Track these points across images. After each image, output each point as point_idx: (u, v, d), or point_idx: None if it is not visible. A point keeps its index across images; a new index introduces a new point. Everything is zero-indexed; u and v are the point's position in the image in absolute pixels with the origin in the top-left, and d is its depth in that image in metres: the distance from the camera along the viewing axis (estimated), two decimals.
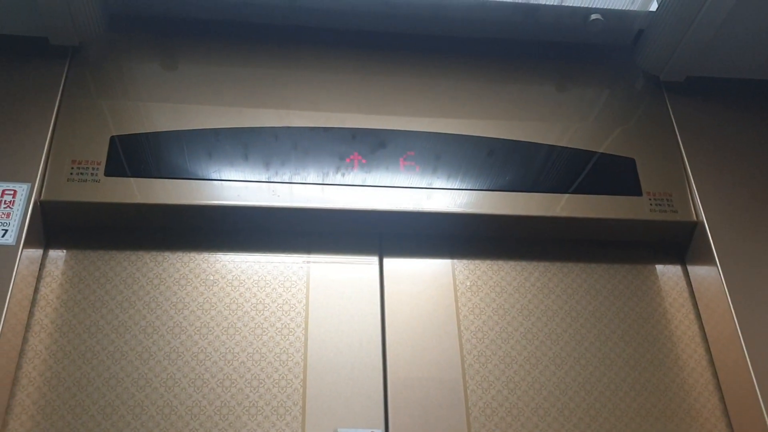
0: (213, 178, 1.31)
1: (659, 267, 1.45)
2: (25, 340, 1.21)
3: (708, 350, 1.36)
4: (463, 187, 1.37)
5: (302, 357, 1.25)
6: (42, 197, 1.25)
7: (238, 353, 1.24)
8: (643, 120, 1.51)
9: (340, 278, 1.34)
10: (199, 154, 1.33)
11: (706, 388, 1.33)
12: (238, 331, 1.26)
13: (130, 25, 1.48)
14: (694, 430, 1.28)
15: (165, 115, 1.37)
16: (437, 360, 1.28)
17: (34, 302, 1.24)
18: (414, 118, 1.44)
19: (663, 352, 1.35)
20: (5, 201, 1.22)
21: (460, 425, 1.22)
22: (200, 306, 1.28)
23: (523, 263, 1.41)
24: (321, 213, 1.32)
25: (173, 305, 1.28)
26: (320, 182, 1.34)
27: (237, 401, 1.20)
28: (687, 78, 1.55)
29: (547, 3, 1.46)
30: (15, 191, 1.23)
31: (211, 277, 1.31)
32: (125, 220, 1.31)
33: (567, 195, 1.38)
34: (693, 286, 1.42)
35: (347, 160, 1.36)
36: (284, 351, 1.26)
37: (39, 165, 1.26)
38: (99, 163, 1.29)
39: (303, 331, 1.28)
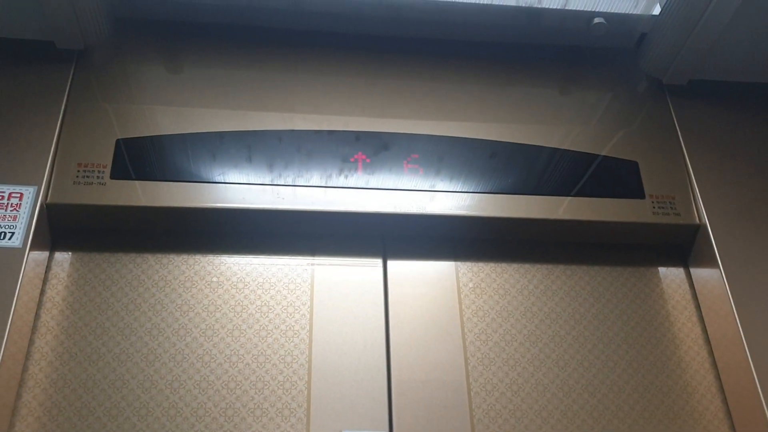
0: (218, 181, 1.32)
1: (662, 270, 1.46)
2: (31, 341, 1.22)
3: (711, 352, 1.37)
4: (466, 190, 1.38)
5: (307, 359, 1.26)
6: (48, 200, 1.25)
7: (243, 355, 1.25)
8: (645, 123, 1.51)
9: (345, 280, 1.35)
10: (203, 157, 1.34)
11: (708, 390, 1.33)
12: (242, 333, 1.27)
13: (136, 29, 1.49)
14: None
15: (170, 118, 1.37)
16: (441, 362, 1.28)
17: (40, 304, 1.25)
18: (417, 121, 1.44)
19: (666, 355, 1.36)
20: (12, 204, 1.22)
21: (464, 427, 1.23)
22: (205, 308, 1.29)
23: (527, 266, 1.42)
24: (325, 216, 1.33)
25: (178, 307, 1.28)
26: (324, 185, 1.34)
27: (242, 403, 1.21)
28: (690, 81, 1.55)
29: (551, 7, 1.47)
30: (21, 194, 1.24)
31: (216, 280, 1.32)
32: (131, 223, 1.32)
33: (570, 198, 1.39)
34: (696, 289, 1.43)
35: (351, 160, 1.37)
36: (289, 353, 1.26)
37: (45, 168, 1.27)
38: (105, 166, 1.30)
39: (307, 333, 1.28)
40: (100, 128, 1.34)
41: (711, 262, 1.36)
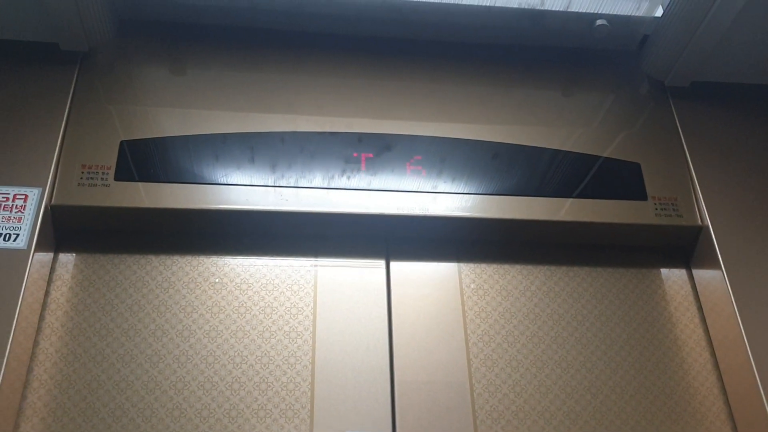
0: (221, 182, 1.32)
1: (664, 271, 1.46)
2: (35, 343, 1.22)
3: (713, 354, 1.37)
4: (469, 191, 1.38)
5: (310, 360, 1.26)
6: (53, 201, 1.26)
7: (246, 356, 1.25)
8: (648, 125, 1.51)
9: (348, 282, 1.35)
10: (207, 158, 1.34)
11: (711, 392, 1.33)
12: (246, 334, 1.27)
13: (139, 31, 1.49)
14: None
15: (173, 120, 1.38)
16: (444, 363, 1.29)
17: (44, 305, 1.26)
18: (420, 123, 1.45)
19: (668, 356, 1.36)
20: (17, 205, 1.23)
21: (467, 428, 1.23)
22: (209, 309, 1.29)
23: (529, 267, 1.42)
24: (328, 217, 1.33)
25: (182, 308, 1.29)
26: (327, 186, 1.35)
27: (246, 404, 1.21)
28: (692, 83, 1.55)
29: (553, 9, 1.47)
30: (26, 196, 1.24)
31: (219, 281, 1.32)
32: (135, 224, 1.33)
33: (572, 199, 1.39)
34: (698, 290, 1.43)
35: (354, 161, 1.37)
36: (292, 354, 1.27)
37: (50, 170, 1.27)
38: (109, 168, 1.30)
39: (311, 335, 1.29)
40: (104, 130, 1.34)
41: (713, 264, 1.36)
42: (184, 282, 1.31)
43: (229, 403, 1.21)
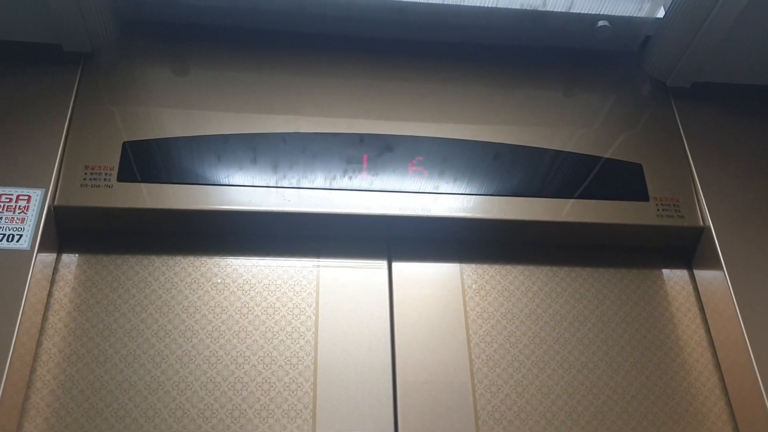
0: (223, 183, 1.33)
1: (666, 272, 1.46)
2: (39, 343, 1.22)
3: (714, 354, 1.37)
4: (471, 192, 1.38)
5: (312, 360, 1.27)
6: (56, 202, 1.26)
7: (249, 357, 1.26)
8: (649, 125, 1.51)
9: (350, 282, 1.36)
10: (209, 159, 1.35)
11: (712, 393, 1.34)
12: (249, 334, 1.28)
13: (142, 32, 1.49)
14: None
15: (176, 120, 1.38)
16: (446, 364, 1.29)
17: (47, 306, 1.26)
18: (422, 124, 1.45)
19: (670, 357, 1.36)
20: (20, 206, 1.23)
21: (469, 428, 1.23)
22: (211, 310, 1.29)
23: (531, 267, 1.42)
24: (330, 217, 1.34)
25: (185, 309, 1.29)
26: (329, 187, 1.35)
27: (248, 404, 1.21)
28: (694, 84, 1.56)
29: (555, 10, 1.47)
30: (29, 196, 1.24)
31: (222, 281, 1.33)
32: (137, 225, 1.33)
33: (574, 200, 1.39)
34: (699, 291, 1.43)
35: (356, 162, 1.37)
36: (294, 354, 1.27)
37: (53, 170, 1.28)
38: (112, 169, 1.30)
39: (313, 335, 1.29)
40: (106, 131, 1.34)
41: (715, 265, 1.36)
42: (186, 282, 1.32)
43: (231, 403, 1.21)
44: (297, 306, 1.32)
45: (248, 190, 1.33)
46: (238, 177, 1.34)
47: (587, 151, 1.46)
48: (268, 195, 1.33)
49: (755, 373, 1.23)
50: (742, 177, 1.45)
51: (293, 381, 1.24)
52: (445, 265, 1.40)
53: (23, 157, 1.28)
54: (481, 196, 1.38)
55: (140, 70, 1.46)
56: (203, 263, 1.34)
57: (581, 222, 1.38)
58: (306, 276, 1.35)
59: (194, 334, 1.27)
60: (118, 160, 1.31)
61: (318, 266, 1.37)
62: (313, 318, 1.31)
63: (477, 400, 1.26)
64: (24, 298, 1.15)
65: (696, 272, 1.45)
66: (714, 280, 1.37)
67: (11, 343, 1.11)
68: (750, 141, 1.51)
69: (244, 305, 1.31)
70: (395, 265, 1.39)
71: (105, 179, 1.29)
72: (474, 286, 1.38)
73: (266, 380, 1.24)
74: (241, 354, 1.26)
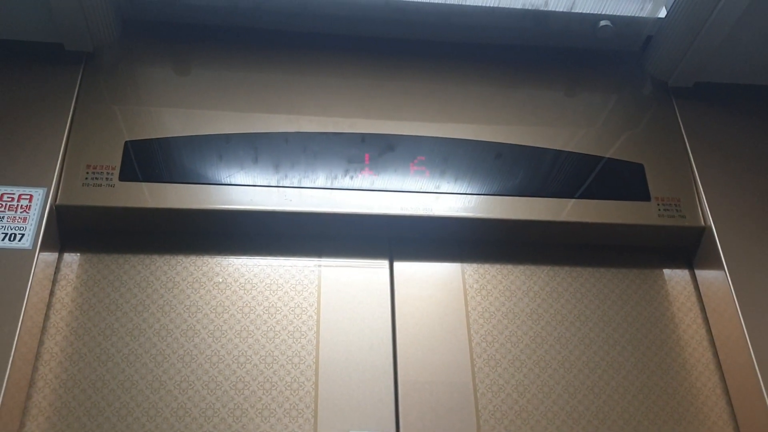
0: (225, 182, 1.33)
1: (667, 271, 1.46)
2: (40, 342, 1.22)
3: (715, 354, 1.37)
4: (472, 192, 1.38)
5: (314, 360, 1.27)
6: (57, 202, 1.26)
7: (250, 356, 1.26)
8: (651, 125, 1.52)
9: (351, 282, 1.36)
10: (211, 159, 1.35)
11: (713, 392, 1.34)
12: (250, 334, 1.28)
13: (144, 32, 1.49)
14: None
15: (178, 120, 1.38)
16: (447, 363, 1.29)
17: (49, 305, 1.26)
18: (423, 123, 1.45)
19: (671, 356, 1.36)
20: (22, 205, 1.23)
21: (470, 428, 1.24)
22: (213, 309, 1.30)
23: (532, 267, 1.42)
24: (332, 217, 1.34)
25: (186, 308, 1.29)
26: (330, 186, 1.35)
27: (250, 403, 1.22)
28: (695, 84, 1.56)
29: (557, 10, 1.47)
30: (31, 196, 1.25)
31: (223, 281, 1.33)
32: (139, 224, 1.33)
33: (575, 200, 1.39)
34: (701, 291, 1.43)
35: (357, 161, 1.37)
36: (296, 354, 1.27)
37: (54, 170, 1.28)
38: (113, 168, 1.30)
39: (314, 335, 1.29)
40: (108, 130, 1.35)
41: (716, 265, 1.36)
42: (188, 282, 1.32)
43: (233, 402, 1.21)
44: (298, 305, 1.32)
45: (250, 189, 1.33)
46: (239, 176, 1.34)
47: (589, 150, 1.46)
48: (269, 194, 1.33)
49: (756, 372, 1.24)
50: (743, 177, 1.45)
51: (295, 380, 1.24)
52: (446, 265, 1.40)
53: (25, 156, 1.28)
54: (482, 196, 1.38)
55: (142, 69, 1.46)
56: (205, 262, 1.34)
57: (583, 222, 1.38)
58: (307, 275, 1.35)
59: (196, 333, 1.27)
60: (119, 159, 1.32)
61: (319, 266, 1.37)
62: (315, 317, 1.31)
63: (478, 400, 1.27)
64: (26, 298, 1.15)
65: (697, 272, 1.45)
66: (715, 279, 1.37)
67: (13, 342, 1.11)
68: (751, 141, 1.51)
69: (246, 305, 1.31)
70: (397, 264, 1.39)
71: (107, 179, 1.29)
72: (475, 286, 1.38)
73: (268, 379, 1.24)
74: (242, 353, 1.26)
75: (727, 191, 1.43)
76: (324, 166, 1.37)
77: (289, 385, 1.24)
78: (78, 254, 1.32)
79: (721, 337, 1.36)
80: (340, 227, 1.37)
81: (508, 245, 1.43)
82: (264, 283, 1.33)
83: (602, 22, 1.49)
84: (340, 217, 1.34)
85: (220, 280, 1.33)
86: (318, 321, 1.31)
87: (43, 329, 1.24)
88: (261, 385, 1.23)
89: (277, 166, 1.36)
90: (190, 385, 1.22)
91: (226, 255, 1.36)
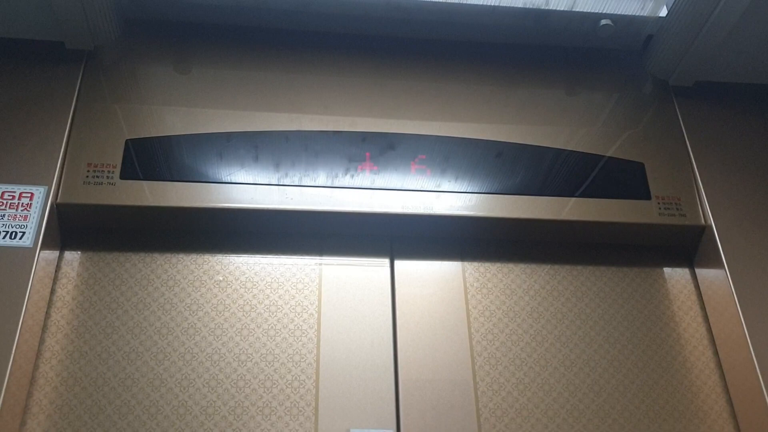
0: (226, 181, 1.33)
1: (667, 270, 1.46)
2: (41, 340, 1.23)
3: (716, 352, 1.37)
4: (473, 191, 1.38)
5: (315, 358, 1.27)
6: (58, 200, 1.26)
7: (251, 354, 1.26)
8: (651, 124, 1.52)
9: (352, 280, 1.36)
10: (212, 157, 1.35)
11: (713, 390, 1.34)
12: (251, 332, 1.28)
13: (144, 30, 1.49)
14: None
15: (178, 118, 1.38)
16: (448, 361, 1.29)
17: (50, 303, 1.26)
18: (424, 122, 1.45)
19: (671, 355, 1.37)
20: (23, 204, 1.23)
21: (471, 426, 1.24)
22: (214, 307, 1.30)
23: (533, 266, 1.42)
24: (333, 216, 1.34)
25: (187, 307, 1.29)
26: (331, 185, 1.35)
27: (251, 401, 1.22)
28: (696, 83, 1.56)
29: (558, 9, 1.47)
30: (32, 194, 1.25)
31: (224, 279, 1.33)
32: (140, 223, 1.33)
33: (576, 198, 1.40)
34: (701, 289, 1.43)
35: (358, 160, 1.37)
36: (297, 352, 1.27)
37: (55, 168, 1.28)
38: (114, 167, 1.30)
39: (315, 333, 1.29)
40: (109, 129, 1.35)
41: (716, 263, 1.37)
42: (189, 280, 1.32)
43: (234, 400, 1.21)
44: (299, 304, 1.32)
45: (250, 188, 1.33)
46: (240, 175, 1.34)
47: (589, 149, 1.46)
48: (270, 193, 1.33)
49: (756, 371, 1.24)
50: (743, 176, 1.45)
51: (296, 378, 1.25)
52: (447, 263, 1.41)
53: (26, 154, 1.29)
54: (483, 195, 1.38)
55: (143, 68, 1.46)
56: (205, 261, 1.34)
57: (583, 220, 1.38)
58: (308, 274, 1.36)
59: (197, 331, 1.27)
60: (120, 157, 1.32)
61: (320, 264, 1.37)
62: (316, 316, 1.31)
63: (479, 398, 1.27)
64: (27, 296, 1.15)
65: (697, 270, 1.45)
66: (715, 278, 1.37)
67: (14, 340, 1.12)
68: (752, 140, 1.51)
69: (247, 303, 1.31)
70: (397, 263, 1.39)
71: (107, 177, 1.29)
72: (476, 284, 1.38)
73: (269, 377, 1.24)
74: (243, 351, 1.26)
75: (727, 190, 1.43)
76: (325, 165, 1.37)
77: (289, 383, 1.24)
78: (79, 252, 1.32)
79: (722, 335, 1.36)
80: (341, 226, 1.37)
81: (508, 244, 1.44)
82: (265, 282, 1.33)
83: (603, 21, 1.49)
84: (341, 216, 1.34)
85: (221, 278, 1.33)
86: (319, 319, 1.31)
87: (44, 327, 1.24)
88: (262, 383, 1.23)
89: (278, 165, 1.36)
90: (191, 383, 1.22)
91: (226, 253, 1.36)
